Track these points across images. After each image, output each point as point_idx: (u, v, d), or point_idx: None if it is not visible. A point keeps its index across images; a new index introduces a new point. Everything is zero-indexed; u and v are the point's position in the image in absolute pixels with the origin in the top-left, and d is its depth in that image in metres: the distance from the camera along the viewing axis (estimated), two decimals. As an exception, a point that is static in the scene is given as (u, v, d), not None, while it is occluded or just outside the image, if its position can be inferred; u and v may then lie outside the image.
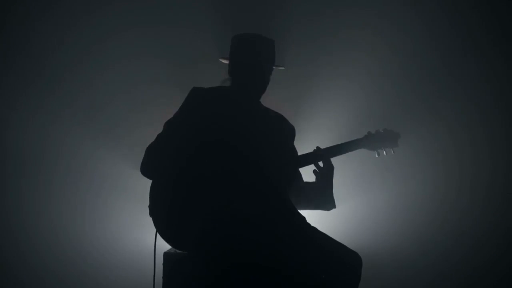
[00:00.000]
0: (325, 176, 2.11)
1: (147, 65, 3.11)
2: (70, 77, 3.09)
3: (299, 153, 2.15)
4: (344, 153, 2.18)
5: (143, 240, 3.03)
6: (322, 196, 2.12)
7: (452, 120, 3.28)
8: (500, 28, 3.24)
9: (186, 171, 1.88)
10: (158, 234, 1.87)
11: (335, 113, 3.24)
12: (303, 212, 1.98)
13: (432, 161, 3.27)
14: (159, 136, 1.95)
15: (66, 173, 3.09)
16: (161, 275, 2.12)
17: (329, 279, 1.75)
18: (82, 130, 3.09)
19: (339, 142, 2.19)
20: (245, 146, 1.96)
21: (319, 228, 1.93)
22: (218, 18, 3.13)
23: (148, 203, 1.90)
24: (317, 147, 2.15)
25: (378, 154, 2.28)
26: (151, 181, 1.93)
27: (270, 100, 2.28)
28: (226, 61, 2.25)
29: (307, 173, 2.18)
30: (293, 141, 2.22)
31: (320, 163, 2.13)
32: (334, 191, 2.12)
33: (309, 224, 1.93)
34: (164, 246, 1.98)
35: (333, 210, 2.16)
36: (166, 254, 2.20)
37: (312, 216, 2.05)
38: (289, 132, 2.23)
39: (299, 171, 2.17)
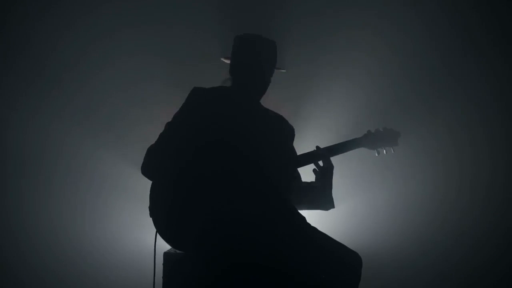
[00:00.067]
0: (325, 175, 2.11)
1: (147, 65, 3.11)
2: (70, 77, 3.09)
3: (299, 153, 2.15)
4: (344, 152, 2.18)
5: (143, 240, 3.03)
6: (321, 196, 2.12)
7: (452, 120, 3.28)
8: (500, 28, 3.25)
9: (186, 171, 1.88)
10: (158, 234, 1.87)
11: (335, 113, 3.24)
12: (303, 212, 1.98)
13: (432, 161, 3.27)
14: (160, 136, 1.96)
15: (66, 173, 3.09)
16: (161, 275, 2.12)
17: (329, 279, 1.75)
18: (82, 130, 3.09)
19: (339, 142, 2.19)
20: (245, 146, 1.96)
21: (319, 228, 1.93)
22: (218, 18, 3.13)
23: (148, 204, 1.90)
24: (317, 147, 2.15)
25: (378, 153, 2.27)
26: (151, 181, 1.93)
27: (270, 100, 2.28)
28: (227, 61, 2.25)
29: (307, 173, 2.18)
30: (293, 142, 2.23)
31: (320, 162, 2.13)
32: (333, 190, 2.12)
33: (309, 224, 1.93)
34: (164, 246, 1.98)
35: (332, 210, 2.15)
36: (166, 254, 2.20)
37: (312, 216, 2.05)
38: (289, 133, 2.23)
39: (298, 172, 2.17)
